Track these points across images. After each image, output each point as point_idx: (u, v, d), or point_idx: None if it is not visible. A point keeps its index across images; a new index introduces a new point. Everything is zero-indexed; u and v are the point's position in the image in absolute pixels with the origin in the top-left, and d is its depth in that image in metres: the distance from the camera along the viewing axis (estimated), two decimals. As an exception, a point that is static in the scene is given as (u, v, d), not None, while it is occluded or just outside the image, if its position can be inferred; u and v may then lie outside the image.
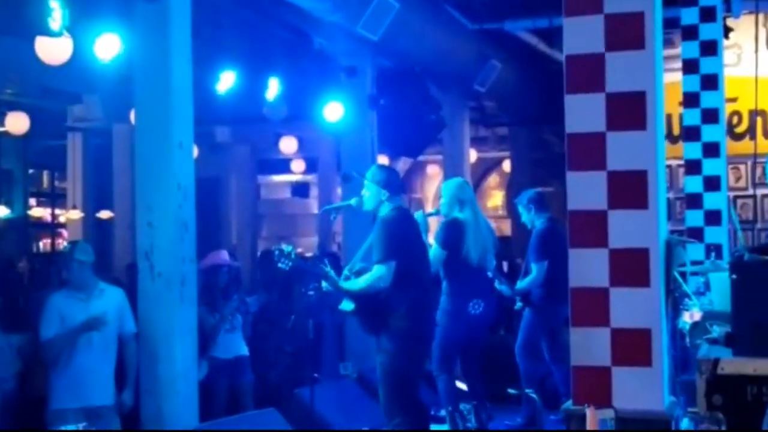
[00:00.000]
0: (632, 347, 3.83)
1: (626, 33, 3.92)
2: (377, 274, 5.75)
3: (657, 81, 3.95)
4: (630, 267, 3.87)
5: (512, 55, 11.79)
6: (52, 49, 7.19)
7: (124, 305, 6.25)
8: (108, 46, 6.81)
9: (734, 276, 3.44)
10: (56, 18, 6.04)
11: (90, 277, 6.15)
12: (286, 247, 6.05)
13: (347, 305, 5.98)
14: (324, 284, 6.05)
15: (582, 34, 4.00)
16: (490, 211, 20.66)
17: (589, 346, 3.89)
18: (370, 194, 6.03)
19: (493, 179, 21.24)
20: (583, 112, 3.99)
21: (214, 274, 7.38)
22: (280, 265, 5.98)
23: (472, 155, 15.54)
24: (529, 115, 14.19)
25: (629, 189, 3.88)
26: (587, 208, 3.95)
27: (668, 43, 9.98)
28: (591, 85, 3.97)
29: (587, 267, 3.94)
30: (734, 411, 3.30)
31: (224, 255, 7.73)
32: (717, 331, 3.67)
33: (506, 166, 17.45)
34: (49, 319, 5.98)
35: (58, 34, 6.20)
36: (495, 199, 21.19)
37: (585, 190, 3.95)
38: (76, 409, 5.92)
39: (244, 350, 7.56)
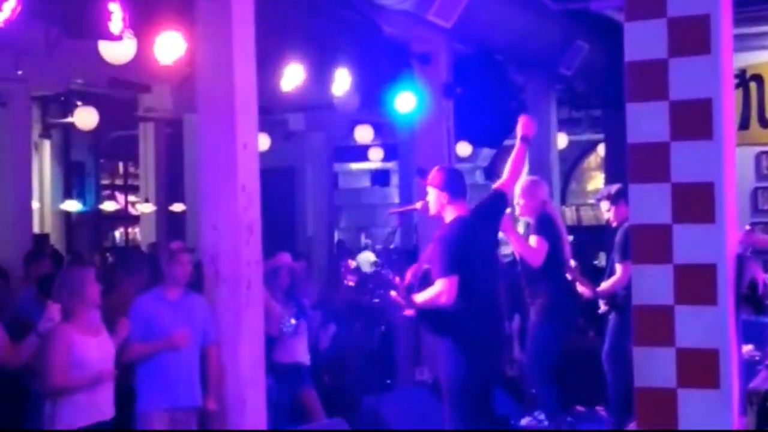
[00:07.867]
0: (699, 368, 3.86)
1: (691, 37, 3.94)
2: (439, 289, 5.86)
3: (725, 87, 3.99)
4: (696, 284, 3.90)
5: (600, 36, 11.73)
6: (116, 51, 7.53)
7: (207, 311, 6.54)
8: (169, 48, 7.06)
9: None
10: (116, 21, 6.34)
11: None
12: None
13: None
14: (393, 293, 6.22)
15: (644, 40, 4.04)
16: (590, 196, 20.34)
17: (654, 366, 3.95)
18: (432, 198, 6.16)
19: (593, 159, 20.86)
20: (646, 122, 4.04)
21: (273, 275, 7.57)
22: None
23: (562, 140, 15.46)
24: (622, 98, 14.03)
25: (695, 202, 3.91)
26: (650, 222, 4.02)
27: (763, 20, 9.98)
28: (654, 93, 4.02)
29: (651, 284, 4.00)
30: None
31: (286, 257, 7.94)
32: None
33: (601, 150, 17.27)
34: (133, 323, 6.17)
35: (119, 38, 6.50)
36: (596, 181, 20.77)
37: (648, 203, 4.00)
38: (162, 410, 6.25)
39: (305, 359, 7.69)
